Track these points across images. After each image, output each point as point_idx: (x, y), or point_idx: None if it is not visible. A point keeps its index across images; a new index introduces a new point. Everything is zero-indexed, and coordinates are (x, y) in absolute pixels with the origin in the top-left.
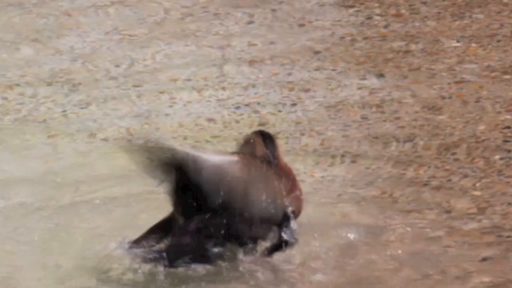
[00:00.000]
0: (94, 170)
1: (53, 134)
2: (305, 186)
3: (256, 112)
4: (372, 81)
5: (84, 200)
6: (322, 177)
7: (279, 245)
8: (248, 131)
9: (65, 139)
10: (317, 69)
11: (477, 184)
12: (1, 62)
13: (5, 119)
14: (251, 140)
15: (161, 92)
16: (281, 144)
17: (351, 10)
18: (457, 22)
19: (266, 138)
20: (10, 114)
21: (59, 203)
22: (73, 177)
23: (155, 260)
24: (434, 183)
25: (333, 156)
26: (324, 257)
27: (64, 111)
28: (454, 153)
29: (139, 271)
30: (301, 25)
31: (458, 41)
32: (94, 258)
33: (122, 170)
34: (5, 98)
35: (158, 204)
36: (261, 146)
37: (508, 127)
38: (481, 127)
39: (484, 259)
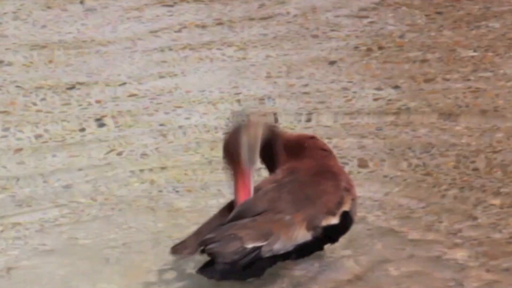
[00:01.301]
0: None
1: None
2: None
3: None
4: (388, 92)
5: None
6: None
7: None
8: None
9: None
10: (332, 80)
11: (496, 194)
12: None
13: None
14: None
15: (177, 105)
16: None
17: (365, 21)
18: (473, 32)
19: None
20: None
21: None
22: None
23: (204, 272)
24: (452, 192)
25: (349, 167)
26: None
27: (82, 129)
28: (473, 162)
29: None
30: (316, 36)
31: (474, 51)
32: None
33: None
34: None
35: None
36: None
37: None
38: (499, 136)
39: (506, 270)
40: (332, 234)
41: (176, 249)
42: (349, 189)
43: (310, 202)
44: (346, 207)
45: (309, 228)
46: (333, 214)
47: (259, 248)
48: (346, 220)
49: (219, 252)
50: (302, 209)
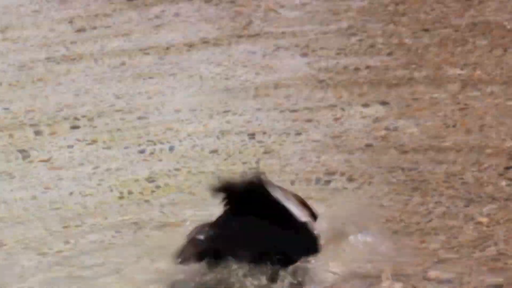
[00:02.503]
0: None
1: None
2: None
3: (261, 142)
4: (376, 109)
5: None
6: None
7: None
8: (252, 161)
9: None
10: (321, 98)
11: (483, 211)
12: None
13: None
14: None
15: (165, 124)
16: (286, 173)
17: (354, 39)
18: (459, 49)
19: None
20: None
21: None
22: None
23: None
24: (439, 209)
25: (338, 185)
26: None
27: (71, 145)
28: (461, 178)
29: None
30: (305, 54)
31: (461, 69)
32: None
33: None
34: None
35: None
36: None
37: None
38: (486, 153)
39: (489, 286)
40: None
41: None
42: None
43: None
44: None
45: None
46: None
47: None
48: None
49: None
50: None
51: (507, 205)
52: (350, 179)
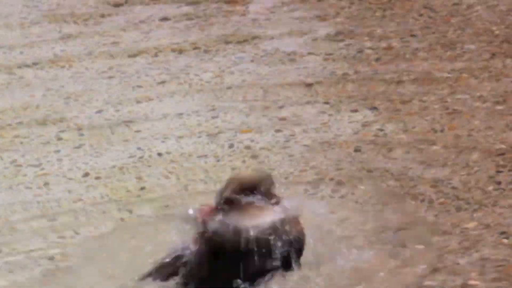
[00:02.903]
0: None
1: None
2: None
3: (249, 148)
4: (365, 114)
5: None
6: (314, 211)
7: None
8: (241, 166)
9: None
10: (309, 103)
11: (471, 216)
12: None
13: None
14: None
15: (153, 129)
16: (275, 178)
17: (342, 44)
18: (448, 53)
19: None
20: None
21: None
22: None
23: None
24: (428, 214)
25: (327, 190)
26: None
27: (58, 150)
28: (449, 183)
29: None
30: (292, 60)
31: (449, 73)
32: None
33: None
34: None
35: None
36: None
37: (502, 154)
38: (474, 157)
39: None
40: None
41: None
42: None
43: None
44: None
45: None
46: None
47: None
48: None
49: None
50: None
51: (494, 211)
52: (339, 184)
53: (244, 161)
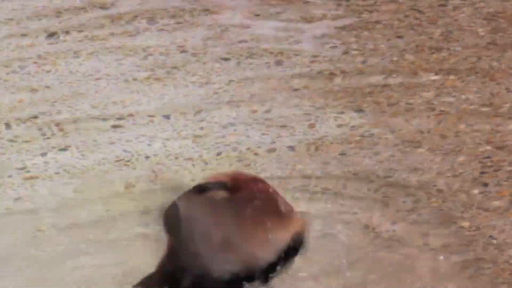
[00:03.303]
0: None
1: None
2: None
3: (235, 150)
4: (351, 116)
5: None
6: (301, 213)
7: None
8: (228, 169)
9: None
10: (295, 106)
11: (457, 218)
12: None
13: None
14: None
15: (139, 132)
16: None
17: (328, 46)
18: (434, 56)
19: None
20: None
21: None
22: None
23: None
24: (413, 216)
25: (313, 193)
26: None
27: (44, 153)
28: (435, 185)
29: None
30: (279, 62)
31: (436, 74)
32: None
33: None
34: None
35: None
36: None
37: (488, 157)
38: (461, 160)
39: None
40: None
41: None
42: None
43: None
44: (298, 228)
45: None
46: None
47: None
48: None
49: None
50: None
51: (480, 213)
52: (325, 187)
53: (231, 164)
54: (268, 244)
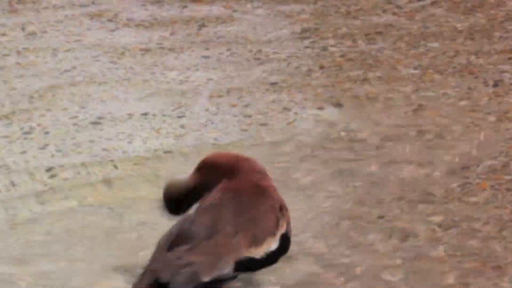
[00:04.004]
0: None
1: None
2: None
3: (215, 146)
4: (330, 112)
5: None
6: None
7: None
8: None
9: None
10: (274, 101)
11: (435, 212)
12: None
13: None
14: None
15: (118, 129)
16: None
17: (306, 42)
18: (412, 51)
19: None
20: None
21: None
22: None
23: None
24: (392, 212)
25: (293, 189)
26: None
27: (24, 151)
28: (414, 180)
29: None
30: (257, 58)
31: (415, 68)
32: None
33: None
34: None
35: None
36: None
37: (467, 150)
38: (439, 154)
39: (448, 286)
40: (273, 256)
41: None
42: (284, 211)
43: (253, 223)
44: (283, 229)
45: (254, 249)
46: (274, 235)
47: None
48: (285, 242)
49: (171, 282)
50: (246, 230)
51: (458, 206)
52: (305, 184)
53: None
54: (256, 242)
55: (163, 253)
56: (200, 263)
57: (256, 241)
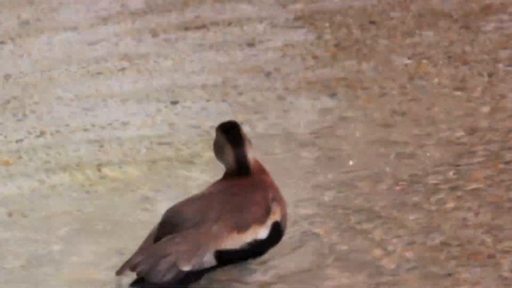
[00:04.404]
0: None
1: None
2: None
3: (209, 134)
4: (324, 101)
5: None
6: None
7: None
8: (202, 154)
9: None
10: (268, 90)
11: (430, 200)
12: None
13: None
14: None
15: (113, 117)
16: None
17: (301, 31)
18: (407, 41)
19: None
20: None
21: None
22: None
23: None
24: (387, 199)
25: (288, 178)
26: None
27: (20, 139)
28: (409, 169)
29: None
30: (251, 46)
31: (409, 58)
32: None
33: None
34: None
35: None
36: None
37: (462, 141)
38: (433, 143)
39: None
40: (261, 245)
41: (121, 271)
42: (278, 201)
43: (238, 210)
44: (277, 218)
45: (237, 236)
46: (261, 223)
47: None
48: (277, 232)
49: (150, 273)
50: (229, 216)
51: (454, 194)
52: (298, 172)
53: (204, 148)
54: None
55: (149, 244)
56: (180, 252)
57: (240, 228)
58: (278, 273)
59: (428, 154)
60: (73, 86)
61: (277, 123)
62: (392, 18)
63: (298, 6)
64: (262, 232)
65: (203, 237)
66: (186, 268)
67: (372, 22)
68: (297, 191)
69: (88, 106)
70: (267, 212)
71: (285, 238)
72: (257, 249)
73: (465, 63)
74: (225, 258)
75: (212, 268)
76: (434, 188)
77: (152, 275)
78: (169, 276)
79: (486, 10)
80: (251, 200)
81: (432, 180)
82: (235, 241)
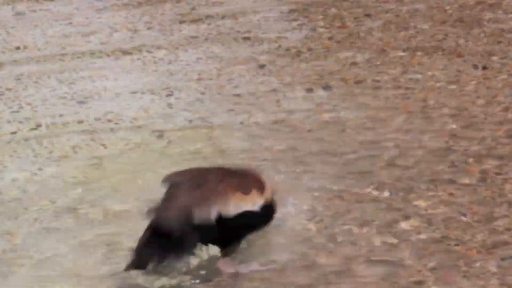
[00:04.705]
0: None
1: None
2: None
3: (204, 126)
4: (319, 93)
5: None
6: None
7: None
8: (197, 145)
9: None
10: (262, 82)
11: (425, 196)
12: None
13: None
14: None
15: (108, 108)
16: (229, 157)
17: (295, 23)
18: (402, 34)
19: None
20: None
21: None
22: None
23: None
24: (381, 195)
25: (282, 170)
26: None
27: (14, 132)
28: (403, 161)
29: None
30: (246, 38)
31: (403, 51)
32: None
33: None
34: None
35: None
36: None
37: (454, 133)
38: (426, 137)
39: (433, 268)
40: (257, 219)
41: (129, 266)
42: (271, 189)
43: (238, 177)
44: (269, 195)
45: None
46: (260, 192)
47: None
48: (270, 210)
49: (161, 221)
50: (231, 180)
51: (448, 188)
52: (294, 164)
53: (199, 140)
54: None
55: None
56: (190, 203)
57: (243, 189)
58: None
59: (421, 147)
60: (68, 77)
61: (271, 115)
62: (386, 11)
63: None
64: (260, 201)
65: (209, 193)
66: (197, 215)
67: (367, 15)
68: (290, 180)
69: (82, 97)
70: (263, 186)
71: None
72: (253, 222)
73: (459, 56)
74: (224, 224)
75: (209, 238)
76: (428, 182)
77: (163, 222)
78: (179, 224)
79: (481, 4)
80: (248, 173)
81: (426, 173)
82: (239, 202)
